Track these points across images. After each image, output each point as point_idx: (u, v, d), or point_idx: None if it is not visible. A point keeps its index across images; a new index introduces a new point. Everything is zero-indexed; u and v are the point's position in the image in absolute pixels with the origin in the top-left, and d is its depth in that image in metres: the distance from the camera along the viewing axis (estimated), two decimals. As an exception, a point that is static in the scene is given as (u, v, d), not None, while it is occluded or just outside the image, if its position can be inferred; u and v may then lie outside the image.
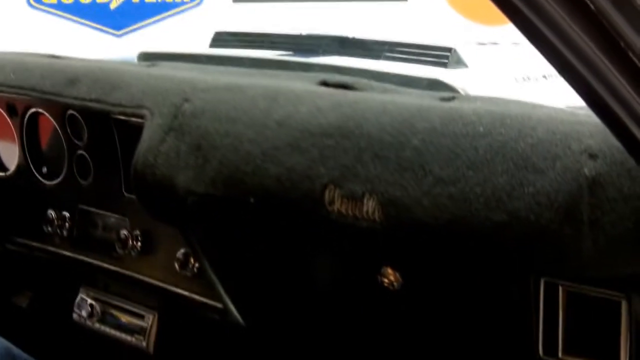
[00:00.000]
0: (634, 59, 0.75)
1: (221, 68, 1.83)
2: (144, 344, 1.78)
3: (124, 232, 1.76)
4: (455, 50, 1.74)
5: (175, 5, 3.45)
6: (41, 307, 2.11)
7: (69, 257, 1.89)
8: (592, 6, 0.73)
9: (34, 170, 1.85)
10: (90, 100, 1.65)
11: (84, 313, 1.88)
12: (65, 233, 1.89)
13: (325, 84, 1.49)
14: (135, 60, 2.12)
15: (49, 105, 1.76)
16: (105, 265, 1.81)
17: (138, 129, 1.54)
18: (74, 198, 1.85)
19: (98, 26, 3.40)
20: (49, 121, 1.78)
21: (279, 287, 1.59)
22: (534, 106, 1.27)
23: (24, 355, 1.93)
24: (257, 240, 1.53)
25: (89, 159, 1.73)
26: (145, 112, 1.54)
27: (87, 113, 1.68)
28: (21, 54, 2.02)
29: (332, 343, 1.59)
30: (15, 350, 1.92)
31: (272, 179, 1.32)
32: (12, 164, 1.90)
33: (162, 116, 1.50)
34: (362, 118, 1.28)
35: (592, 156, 1.07)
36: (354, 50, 1.89)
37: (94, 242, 1.85)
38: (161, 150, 1.46)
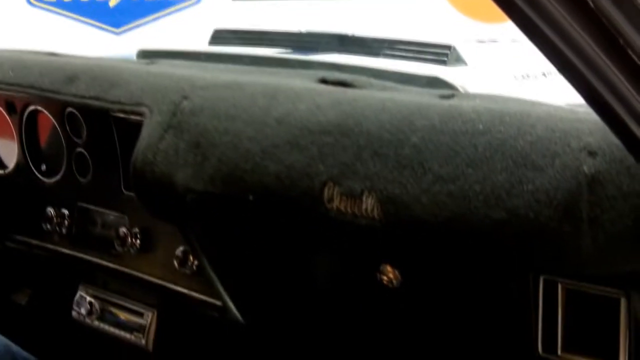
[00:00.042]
0: (633, 56, 0.75)
1: (220, 66, 1.83)
2: (143, 341, 1.78)
3: (123, 229, 1.76)
4: (454, 48, 1.74)
5: (175, 2, 3.45)
6: (40, 304, 2.11)
7: (68, 254, 1.89)
8: (591, 4, 0.73)
9: (33, 168, 1.85)
10: (89, 98, 1.65)
11: (83, 311, 1.88)
12: (64, 231, 1.89)
13: (324, 81, 1.49)
14: (135, 57, 2.12)
15: (48, 102, 1.76)
16: (105, 263, 1.81)
17: (137, 127, 1.54)
18: (73, 196, 1.85)
19: (97, 24, 3.39)
20: (47, 119, 1.78)
21: (278, 285, 1.59)
22: (533, 104, 1.27)
23: (23, 352, 1.93)
24: (256, 237, 1.53)
25: (88, 157, 1.73)
26: (144, 109, 1.54)
27: (86, 111, 1.68)
28: (20, 52, 2.01)
29: (331, 340, 1.59)
30: (15, 347, 1.92)
31: (271, 177, 1.32)
32: (11, 161, 1.90)
33: (161, 114, 1.50)
34: (362, 116, 1.27)
35: (592, 154, 1.07)
36: (353, 47, 1.89)
37: (93, 239, 1.85)
38: (160, 148, 1.46)
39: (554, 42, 0.77)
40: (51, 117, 1.77)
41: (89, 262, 1.85)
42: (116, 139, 1.66)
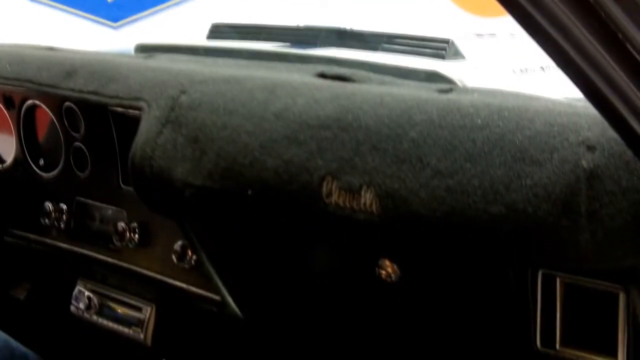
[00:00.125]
0: (633, 51, 0.75)
1: (218, 60, 1.82)
2: (142, 336, 1.78)
3: (121, 224, 1.76)
4: (452, 42, 1.74)
5: (172, -3, 3.45)
6: (39, 299, 2.11)
7: (66, 249, 1.89)
8: (590, -2, 0.73)
9: (31, 163, 1.85)
10: (88, 93, 1.65)
11: (81, 305, 1.87)
12: (62, 225, 1.89)
13: (323, 76, 1.49)
14: (133, 52, 2.11)
15: (46, 97, 1.75)
16: (103, 258, 1.81)
17: (135, 121, 1.54)
18: (72, 190, 1.85)
19: (95, 18, 3.39)
20: (46, 113, 1.78)
21: (277, 280, 1.59)
22: (532, 98, 1.27)
23: (22, 347, 1.93)
24: (254, 232, 1.53)
25: (86, 151, 1.73)
26: (142, 104, 1.54)
27: (84, 105, 1.68)
28: (18, 46, 2.01)
29: (330, 335, 1.59)
30: (13, 342, 1.92)
31: (269, 171, 1.32)
32: (9, 156, 1.90)
33: (159, 108, 1.50)
34: (360, 110, 1.27)
35: (590, 148, 1.07)
36: (351, 42, 1.89)
37: (92, 234, 1.85)
38: (158, 143, 1.46)
39: (552, 36, 0.77)
40: (49, 112, 1.76)
41: (88, 256, 1.85)
42: (114, 133, 1.66)
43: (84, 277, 1.90)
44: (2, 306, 2.13)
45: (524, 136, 1.12)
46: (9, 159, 1.90)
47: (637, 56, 0.75)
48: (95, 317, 1.86)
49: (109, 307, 1.85)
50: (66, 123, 1.74)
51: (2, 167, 1.91)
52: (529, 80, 1.68)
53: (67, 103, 1.71)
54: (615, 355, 1.18)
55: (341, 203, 1.25)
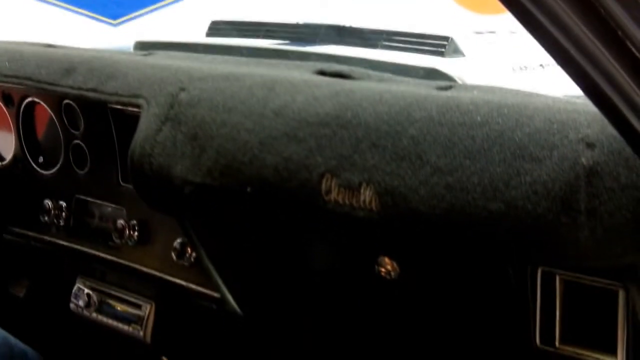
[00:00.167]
0: (632, 48, 0.75)
1: (218, 57, 1.82)
2: (141, 333, 1.78)
3: (120, 221, 1.76)
4: (452, 39, 1.74)
5: (171, -6, 3.45)
6: (38, 296, 2.11)
7: (65, 246, 1.89)
8: (590, -5, 0.73)
9: (30, 160, 1.85)
10: (87, 90, 1.65)
11: (81, 303, 1.87)
12: (62, 223, 1.89)
13: (322, 73, 1.48)
14: (132, 49, 2.11)
15: (45, 94, 1.75)
16: (102, 255, 1.81)
17: (134, 119, 1.54)
18: (71, 187, 1.85)
19: (94, 15, 3.39)
20: (45, 110, 1.78)
21: (276, 277, 1.59)
22: (531, 95, 1.27)
23: (21, 344, 1.93)
24: (254, 229, 1.52)
25: (85, 149, 1.73)
26: (141, 101, 1.54)
27: (84, 102, 1.68)
28: (17, 43, 2.01)
29: (329, 332, 1.59)
30: (13, 339, 1.92)
31: (269, 169, 1.32)
32: (8, 153, 1.90)
33: (159, 105, 1.50)
34: (359, 107, 1.27)
35: (590, 145, 1.07)
36: (351, 39, 1.89)
37: (91, 231, 1.85)
38: (158, 140, 1.46)
39: (552, 33, 0.77)
40: (48, 109, 1.76)
41: (87, 254, 1.84)
42: (113, 130, 1.66)
43: (84, 274, 1.90)
44: (2, 303, 2.13)
45: (523, 133, 1.12)
46: (8, 156, 1.89)
47: (636, 53, 0.75)
48: (94, 315, 1.86)
49: (109, 305, 1.85)
50: (65, 120, 1.73)
51: (2, 164, 1.91)
52: (528, 77, 1.68)
53: (66, 100, 1.70)
54: (614, 352, 1.18)
55: (340, 200, 1.25)
